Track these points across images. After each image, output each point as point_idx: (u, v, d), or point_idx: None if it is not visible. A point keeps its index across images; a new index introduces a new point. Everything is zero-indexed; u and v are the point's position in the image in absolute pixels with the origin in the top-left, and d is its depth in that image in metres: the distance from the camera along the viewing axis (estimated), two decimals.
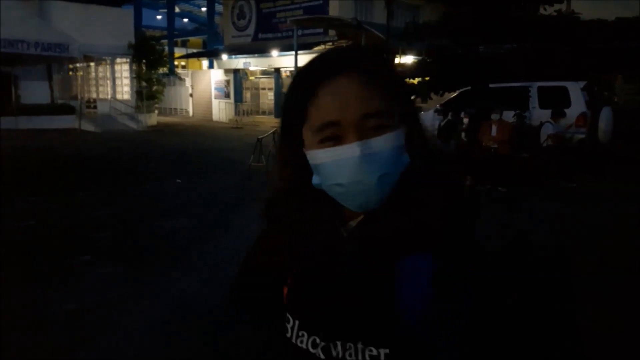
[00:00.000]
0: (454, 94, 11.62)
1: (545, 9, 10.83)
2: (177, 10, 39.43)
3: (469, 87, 10.91)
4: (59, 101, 20.81)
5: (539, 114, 10.36)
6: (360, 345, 0.73)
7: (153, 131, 19.38)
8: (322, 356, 0.76)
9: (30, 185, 8.48)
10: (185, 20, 46.19)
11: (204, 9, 38.19)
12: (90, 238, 5.61)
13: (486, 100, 10.23)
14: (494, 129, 9.32)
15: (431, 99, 11.56)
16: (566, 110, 9.66)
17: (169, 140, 16.22)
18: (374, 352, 0.72)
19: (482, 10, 10.08)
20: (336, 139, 0.74)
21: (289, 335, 0.81)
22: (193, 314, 3.78)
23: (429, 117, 11.84)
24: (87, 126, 18.31)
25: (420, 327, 0.71)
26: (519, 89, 10.92)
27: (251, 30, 24.74)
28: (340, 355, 0.74)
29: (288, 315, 0.82)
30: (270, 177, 0.86)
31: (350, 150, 0.73)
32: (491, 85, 10.70)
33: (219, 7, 32.31)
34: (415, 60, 14.97)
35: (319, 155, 0.76)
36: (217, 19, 35.55)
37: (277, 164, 0.85)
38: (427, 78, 11.48)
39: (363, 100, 0.73)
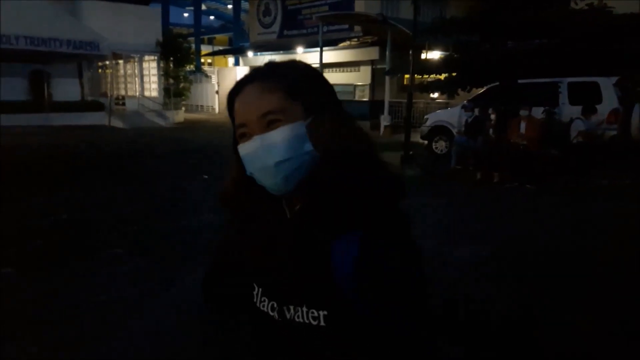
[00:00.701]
0: (482, 90, 11.45)
1: (576, 3, 10.57)
2: (203, 7, 39.81)
3: (497, 83, 10.74)
4: (89, 98, 21.24)
5: (569, 110, 10.14)
6: (304, 308, 0.88)
7: (180, 128, 19.65)
8: (278, 318, 0.92)
9: (62, 179, 8.69)
10: (212, 17, 46.65)
11: (230, 6, 38.48)
12: (120, 232, 5.73)
13: (515, 96, 10.05)
14: (522, 125, 9.16)
15: (458, 95, 11.41)
16: (597, 107, 9.43)
17: (195, 136, 16.42)
18: (315, 313, 0.87)
19: (510, 4, 9.89)
20: (249, 136, 0.91)
21: (254, 300, 0.97)
22: None
23: (456, 113, 11.70)
24: (116, 122, 18.67)
25: (352, 292, 0.83)
26: (548, 85, 10.70)
27: (276, 27, 24.83)
28: (291, 317, 0.89)
29: (254, 283, 0.98)
30: (227, 173, 1.02)
31: (251, 145, 0.90)
32: (520, 81, 10.51)
33: (245, 5, 32.50)
34: (442, 56, 14.79)
35: (239, 151, 0.93)
36: (243, 16, 35.79)
37: (230, 162, 1.01)
38: (453, 74, 11.33)
39: (261, 102, 0.89)
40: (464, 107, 11.04)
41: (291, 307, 0.89)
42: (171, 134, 17.10)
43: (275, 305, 0.92)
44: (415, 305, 0.84)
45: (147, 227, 5.99)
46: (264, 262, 0.94)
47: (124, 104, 22.32)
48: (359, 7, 20.32)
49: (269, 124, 0.88)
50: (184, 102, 23.75)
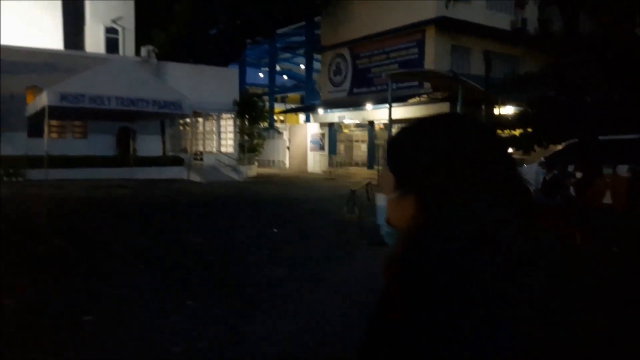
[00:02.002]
0: (560, 147, 11.01)
1: None
2: (278, 68, 41.71)
3: (576, 140, 10.29)
4: (170, 153, 22.53)
5: None
6: None
7: (253, 182, 20.26)
8: None
9: (140, 229, 9.11)
10: (285, 77, 48.67)
11: (302, 66, 40.07)
12: (192, 281, 5.85)
13: (596, 153, 9.56)
14: (606, 183, 8.65)
15: (534, 151, 11.03)
16: None
17: (267, 190, 16.84)
18: None
19: (589, 57, 9.61)
20: None
21: None
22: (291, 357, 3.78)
23: (533, 171, 11.26)
24: (194, 177, 19.55)
25: None
26: (633, 141, 10.11)
27: (347, 85, 25.47)
28: None
29: None
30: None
31: None
32: (601, 138, 10.01)
33: (316, 65, 33.75)
34: (516, 111, 14.47)
35: None
36: (314, 75, 37.10)
37: None
38: (529, 129, 11.01)
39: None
40: (541, 164, 10.62)
41: None
42: (245, 187, 17.65)
43: None
44: None
45: (235, 276, 6.08)
46: None
47: (201, 159, 23.46)
48: (429, 64, 20.50)
49: None
50: (257, 158, 24.62)
